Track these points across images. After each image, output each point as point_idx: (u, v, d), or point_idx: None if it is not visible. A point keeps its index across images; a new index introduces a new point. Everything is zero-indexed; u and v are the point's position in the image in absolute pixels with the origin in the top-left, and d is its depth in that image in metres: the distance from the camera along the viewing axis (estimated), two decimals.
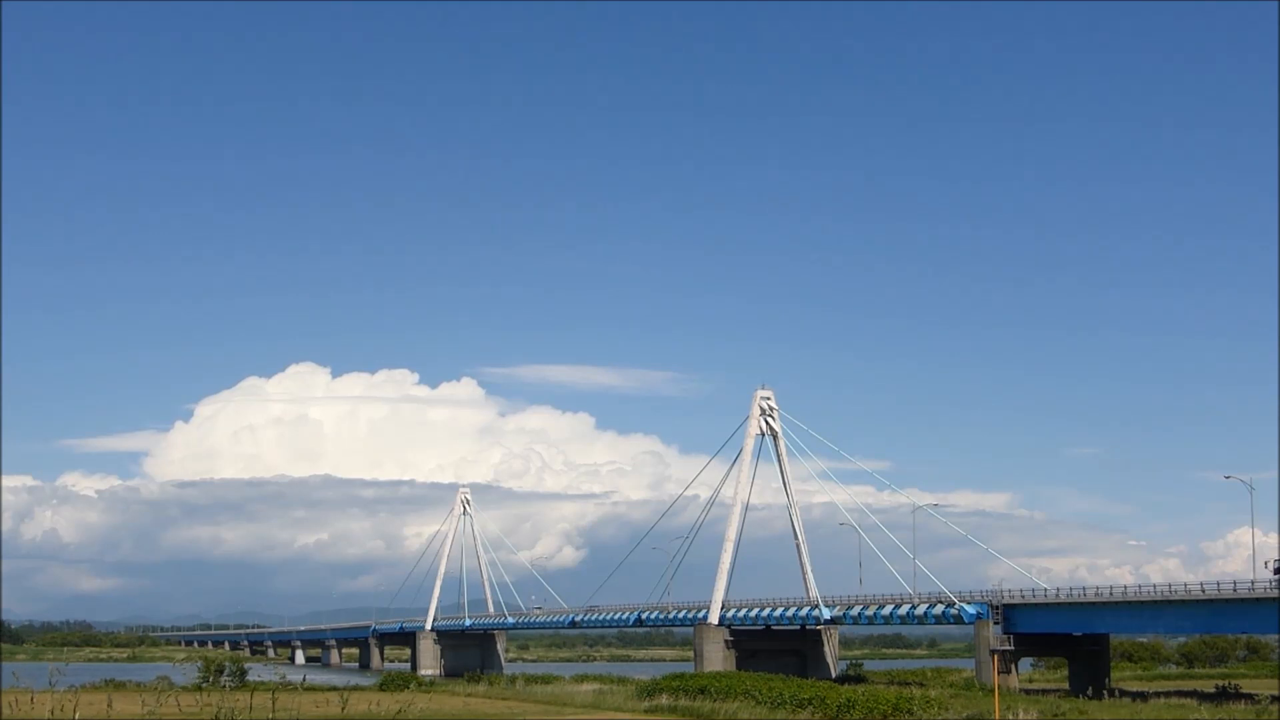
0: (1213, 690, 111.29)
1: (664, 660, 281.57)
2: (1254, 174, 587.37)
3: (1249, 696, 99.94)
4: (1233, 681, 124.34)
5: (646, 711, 79.12)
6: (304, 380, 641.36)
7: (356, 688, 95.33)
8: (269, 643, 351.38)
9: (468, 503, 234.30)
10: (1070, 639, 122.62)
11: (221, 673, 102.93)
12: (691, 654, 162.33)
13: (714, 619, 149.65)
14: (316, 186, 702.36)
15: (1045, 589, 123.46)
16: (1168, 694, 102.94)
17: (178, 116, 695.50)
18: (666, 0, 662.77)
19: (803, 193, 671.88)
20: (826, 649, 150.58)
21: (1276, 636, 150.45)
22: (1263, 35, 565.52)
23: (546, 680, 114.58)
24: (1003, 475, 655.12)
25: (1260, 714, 75.51)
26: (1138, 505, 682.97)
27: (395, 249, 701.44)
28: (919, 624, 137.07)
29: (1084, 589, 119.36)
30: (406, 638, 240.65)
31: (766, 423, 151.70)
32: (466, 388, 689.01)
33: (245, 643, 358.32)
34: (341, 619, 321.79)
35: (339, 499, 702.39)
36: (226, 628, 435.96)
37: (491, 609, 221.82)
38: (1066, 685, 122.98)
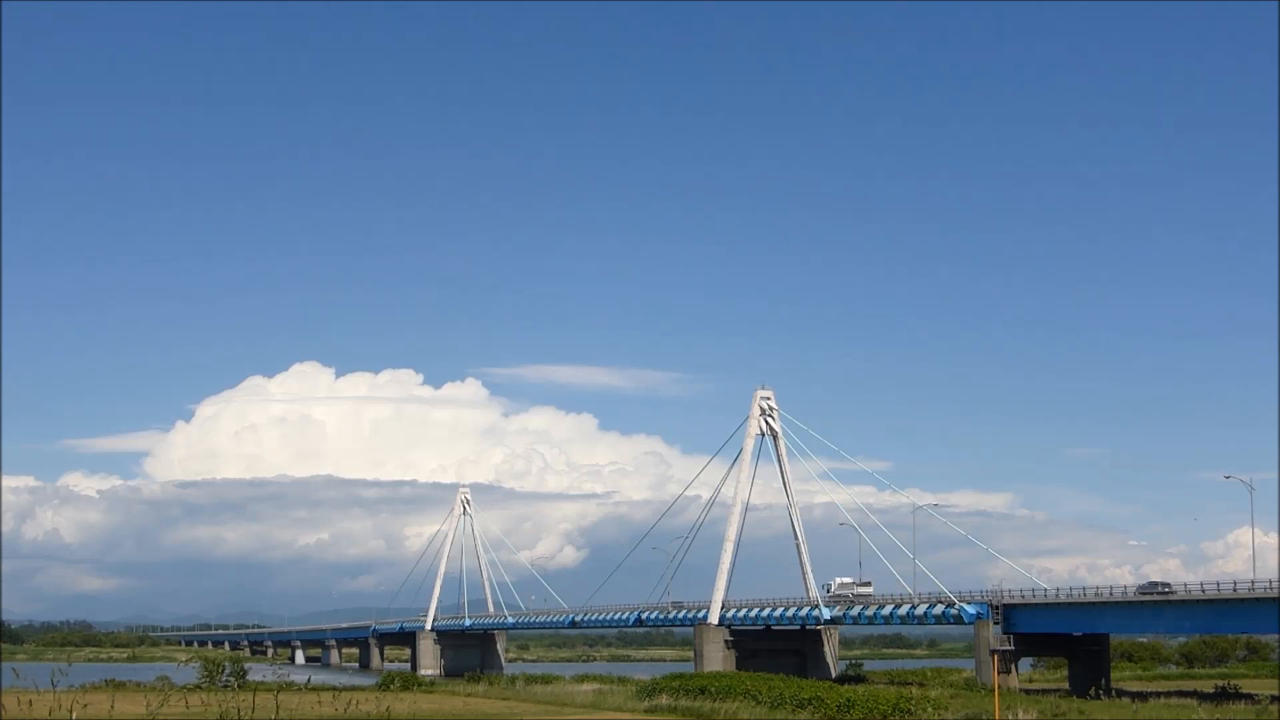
0: (1213, 690, 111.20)
1: (664, 660, 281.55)
2: (1254, 174, 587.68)
3: (1249, 696, 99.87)
4: (1233, 681, 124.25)
5: (646, 711, 79.10)
6: (307, 380, 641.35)
7: (355, 688, 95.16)
8: (269, 643, 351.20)
9: (468, 503, 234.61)
10: (1070, 639, 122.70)
11: (222, 673, 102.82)
12: (691, 654, 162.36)
13: (714, 619, 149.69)
14: (320, 186, 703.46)
15: (1045, 589, 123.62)
16: (1168, 694, 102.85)
17: (178, 116, 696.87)
18: (667, 0, 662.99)
19: (803, 193, 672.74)
20: (826, 649, 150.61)
21: (1276, 636, 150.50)
22: (1263, 35, 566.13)
23: (546, 680, 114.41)
24: (1003, 475, 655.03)
25: (1260, 714, 75.48)
26: (1138, 505, 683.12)
27: (399, 249, 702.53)
28: (919, 624, 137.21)
29: (1084, 589, 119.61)
30: (406, 638, 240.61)
31: (766, 423, 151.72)
32: (470, 388, 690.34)
33: (245, 643, 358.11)
34: (342, 619, 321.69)
35: (340, 499, 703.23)
36: (227, 628, 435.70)
37: (491, 609, 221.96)
38: (1066, 685, 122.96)
